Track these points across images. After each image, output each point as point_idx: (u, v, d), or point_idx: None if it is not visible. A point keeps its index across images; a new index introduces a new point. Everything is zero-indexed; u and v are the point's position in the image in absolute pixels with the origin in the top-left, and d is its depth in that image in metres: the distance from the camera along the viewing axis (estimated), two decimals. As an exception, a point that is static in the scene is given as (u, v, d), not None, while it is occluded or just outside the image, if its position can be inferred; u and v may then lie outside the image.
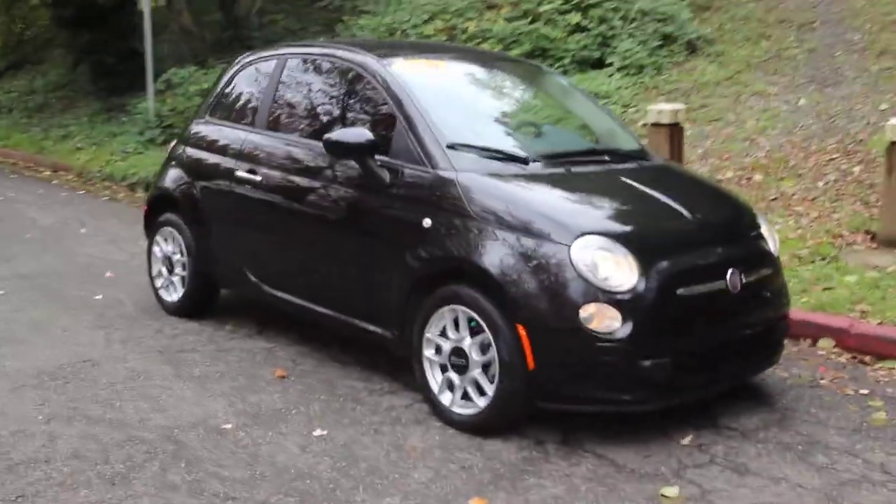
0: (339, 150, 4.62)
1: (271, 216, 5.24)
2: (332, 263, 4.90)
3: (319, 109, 5.30)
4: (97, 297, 6.60)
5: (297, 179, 5.05)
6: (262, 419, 4.44)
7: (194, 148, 5.92)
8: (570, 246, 3.99)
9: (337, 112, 5.18)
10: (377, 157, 4.59)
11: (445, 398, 4.35)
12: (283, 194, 5.13)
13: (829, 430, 4.35)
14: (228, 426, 4.36)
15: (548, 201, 4.27)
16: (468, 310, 4.19)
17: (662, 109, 7.65)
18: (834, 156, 8.56)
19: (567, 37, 11.54)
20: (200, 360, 5.26)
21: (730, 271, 4.23)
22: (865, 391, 4.83)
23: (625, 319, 3.91)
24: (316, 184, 4.95)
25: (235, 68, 5.92)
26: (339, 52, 5.26)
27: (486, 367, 4.19)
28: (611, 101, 10.43)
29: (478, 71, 5.35)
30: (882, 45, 11.09)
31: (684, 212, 4.42)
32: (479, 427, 4.21)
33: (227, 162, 5.56)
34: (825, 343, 5.40)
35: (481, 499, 3.65)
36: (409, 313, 4.46)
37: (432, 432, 4.29)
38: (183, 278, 5.98)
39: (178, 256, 6.01)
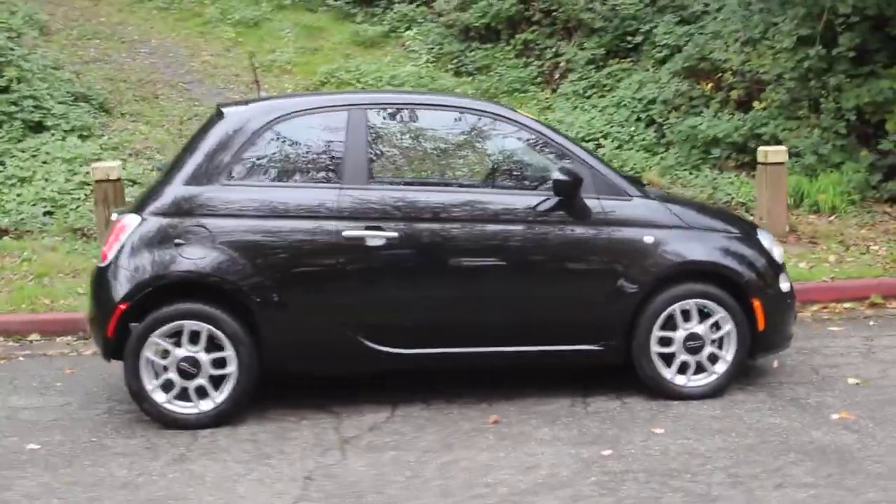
0: (562, 188, 5.06)
1: (423, 273, 5.06)
2: (527, 302, 5.11)
3: (463, 157, 5.31)
4: (31, 447, 4.84)
5: (474, 228, 5.06)
6: (593, 444, 4.74)
7: (223, 218, 4.97)
8: (757, 236, 5.51)
9: (484, 159, 5.33)
10: None
11: (679, 380, 5.32)
12: (451, 247, 5.06)
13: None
14: (608, 452, 4.62)
15: (709, 209, 5.63)
16: (701, 300, 5.29)
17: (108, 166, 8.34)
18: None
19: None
20: (379, 442, 4.81)
21: None
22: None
23: (788, 280, 5.63)
24: (498, 228, 5.07)
25: (258, 125, 5.11)
26: (454, 101, 5.39)
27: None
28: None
29: None
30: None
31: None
32: (710, 392, 5.32)
33: (314, 224, 4.99)
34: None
35: (845, 411, 5.06)
36: (632, 321, 5.24)
37: (692, 408, 5.21)
38: (218, 378, 4.99)
39: (204, 355, 4.98)
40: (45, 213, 8.95)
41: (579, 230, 5.16)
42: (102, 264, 5.05)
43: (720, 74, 11.23)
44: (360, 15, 15.31)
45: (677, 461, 4.48)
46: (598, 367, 5.44)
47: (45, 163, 9.77)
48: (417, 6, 14.91)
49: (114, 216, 5.55)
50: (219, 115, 5.28)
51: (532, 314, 5.18)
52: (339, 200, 5.03)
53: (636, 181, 5.47)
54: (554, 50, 13.32)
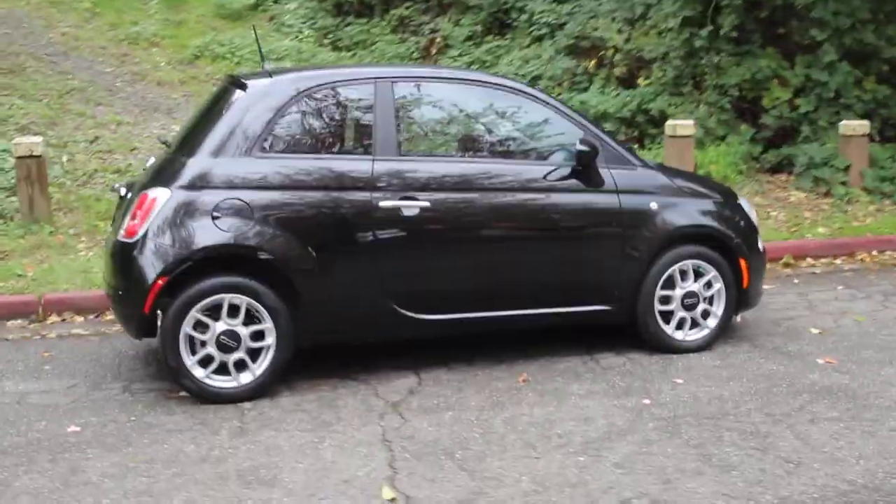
0: (584, 159, 5.35)
1: (454, 240, 5.21)
2: (547, 266, 5.37)
3: (486, 130, 5.46)
4: (73, 430, 4.68)
5: (499, 197, 5.25)
6: (628, 395, 5.10)
7: (259, 190, 4.93)
8: (738, 201, 6.02)
9: (508, 131, 5.50)
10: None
11: (678, 335, 5.74)
12: (478, 215, 5.23)
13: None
14: (647, 401, 4.98)
15: (697, 177, 6.07)
16: (697, 261, 5.72)
17: (31, 142, 8.11)
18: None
19: None
20: (429, 404, 4.98)
21: None
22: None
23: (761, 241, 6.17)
24: (521, 197, 5.29)
25: (286, 97, 5.06)
26: (476, 77, 5.60)
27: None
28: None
29: None
30: (152, 77, 12.49)
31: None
32: (704, 345, 5.77)
33: (349, 195, 5.06)
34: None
35: (831, 358, 5.63)
36: (638, 281, 5.61)
37: (692, 360, 5.64)
38: (255, 351, 5.00)
39: (243, 329, 4.95)
40: (-54, 193, 8.37)
41: (595, 198, 5.46)
42: (130, 240, 4.90)
43: (602, 52, 11.79)
44: (224, -13, 14.96)
45: (713, 406, 4.87)
46: (598, 326, 5.77)
47: (-73, 139, 9.10)
48: (285, -21, 14.74)
49: (122, 191, 5.38)
50: (239, 87, 5.20)
51: (553, 278, 5.46)
52: (372, 171, 5.09)
53: (633, 151, 5.82)
54: (430, 26, 13.52)
